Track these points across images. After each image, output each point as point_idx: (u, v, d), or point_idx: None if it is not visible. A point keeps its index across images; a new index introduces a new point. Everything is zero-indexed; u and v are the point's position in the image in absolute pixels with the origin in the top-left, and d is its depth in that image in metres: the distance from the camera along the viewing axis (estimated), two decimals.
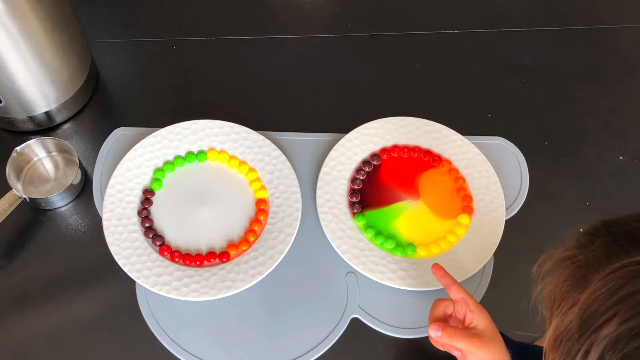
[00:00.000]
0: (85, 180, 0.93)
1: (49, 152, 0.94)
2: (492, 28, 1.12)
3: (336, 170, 0.91)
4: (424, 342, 0.81)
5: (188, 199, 0.90)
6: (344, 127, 0.95)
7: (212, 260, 0.84)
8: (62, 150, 0.94)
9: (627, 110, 1.03)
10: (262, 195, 0.89)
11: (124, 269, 0.82)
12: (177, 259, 0.84)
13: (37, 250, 0.87)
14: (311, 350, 0.80)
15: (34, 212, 0.90)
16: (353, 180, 0.91)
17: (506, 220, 0.88)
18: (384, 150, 0.94)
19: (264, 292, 0.83)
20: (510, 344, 0.68)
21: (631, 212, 0.48)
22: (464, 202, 0.90)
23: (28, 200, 0.88)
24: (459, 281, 0.82)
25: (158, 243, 0.85)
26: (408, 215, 0.89)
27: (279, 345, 0.80)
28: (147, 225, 0.86)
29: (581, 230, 0.50)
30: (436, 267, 0.75)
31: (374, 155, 0.93)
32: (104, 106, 1.01)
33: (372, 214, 0.89)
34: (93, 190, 0.91)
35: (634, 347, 0.41)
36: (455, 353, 0.68)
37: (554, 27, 1.12)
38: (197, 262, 0.84)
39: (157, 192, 0.90)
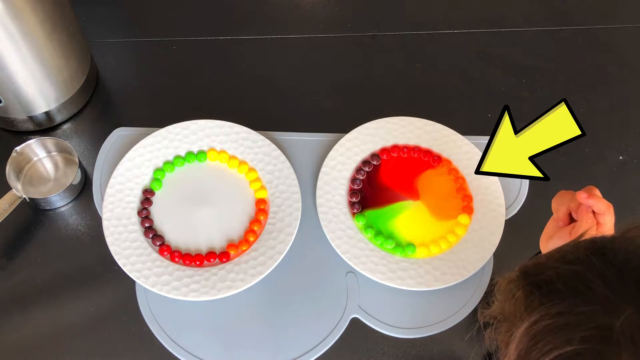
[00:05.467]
0: (85, 180, 0.93)
1: (48, 152, 0.94)
2: (492, 28, 1.12)
3: (336, 170, 0.91)
4: (424, 342, 0.81)
5: (188, 199, 0.90)
6: (344, 127, 0.95)
7: (212, 260, 0.84)
8: (62, 150, 0.94)
9: (627, 110, 1.03)
10: (262, 195, 0.89)
11: (124, 269, 0.82)
12: (177, 259, 0.84)
13: (37, 250, 0.87)
14: (311, 350, 0.80)
15: (34, 212, 0.90)
16: (353, 180, 0.91)
17: (506, 220, 0.88)
18: (384, 150, 0.94)
19: (263, 292, 0.83)
20: None
21: (543, 258, 0.49)
22: (464, 202, 0.90)
23: (28, 200, 0.88)
24: (458, 281, 0.83)
25: (158, 243, 0.85)
26: (408, 215, 0.89)
27: (278, 345, 0.80)
28: (147, 225, 0.86)
29: (506, 279, 0.51)
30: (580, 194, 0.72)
31: (374, 155, 0.93)
32: (104, 106, 1.01)
33: (372, 213, 0.89)
34: (93, 190, 0.91)
35: None
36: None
37: (554, 27, 1.12)
38: (197, 262, 0.84)
39: (157, 192, 0.90)
